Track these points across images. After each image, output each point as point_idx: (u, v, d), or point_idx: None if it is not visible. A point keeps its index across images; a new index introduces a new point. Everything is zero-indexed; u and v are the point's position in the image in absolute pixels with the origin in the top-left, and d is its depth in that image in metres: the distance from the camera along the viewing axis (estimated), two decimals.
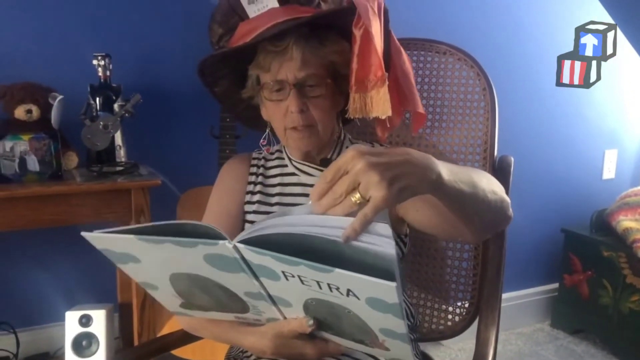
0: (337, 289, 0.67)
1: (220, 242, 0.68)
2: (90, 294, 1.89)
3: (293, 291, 0.73)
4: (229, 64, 1.12)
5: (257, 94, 1.11)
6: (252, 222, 1.12)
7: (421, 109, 1.14)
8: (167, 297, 0.86)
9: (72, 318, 1.71)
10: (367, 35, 0.99)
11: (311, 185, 1.11)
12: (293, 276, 0.68)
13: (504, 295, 1.30)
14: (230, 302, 0.82)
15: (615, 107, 2.66)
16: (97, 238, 0.72)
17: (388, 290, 0.62)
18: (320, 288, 0.68)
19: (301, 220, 0.67)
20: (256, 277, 0.73)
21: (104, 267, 1.84)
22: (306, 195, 1.12)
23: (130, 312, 1.70)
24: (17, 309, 1.84)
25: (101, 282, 1.89)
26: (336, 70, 1.06)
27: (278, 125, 1.08)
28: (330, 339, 0.85)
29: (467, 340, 2.21)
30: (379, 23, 1.00)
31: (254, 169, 1.18)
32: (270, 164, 1.19)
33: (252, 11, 1.07)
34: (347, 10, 1.01)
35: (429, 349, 1.29)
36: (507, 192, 1.23)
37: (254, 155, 1.22)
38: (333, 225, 0.65)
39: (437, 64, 1.32)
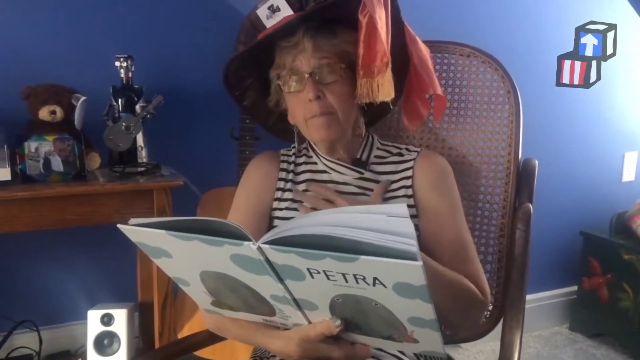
0: (364, 279, 0.67)
1: (245, 243, 0.68)
2: (111, 293, 1.91)
3: (318, 290, 0.73)
4: (251, 72, 1.15)
5: (281, 96, 1.13)
6: (282, 218, 1.13)
7: (439, 91, 1.16)
8: (198, 293, 0.87)
9: (94, 317, 1.73)
10: (372, 22, 1.01)
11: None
12: (318, 272, 0.69)
13: None
14: (258, 304, 0.83)
15: (635, 109, 2.63)
16: (132, 231, 0.74)
17: (414, 271, 0.63)
18: (347, 281, 0.69)
19: (321, 221, 0.68)
20: (281, 280, 0.73)
21: (124, 266, 1.89)
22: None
23: (151, 311, 1.72)
24: (40, 307, 1.86)
25: (122, 281, 1.91)
26: (351, 60, 1.08)
27: (299, 118, 1.10)
28: (358, 341, 0.85)
29: (485, 343, 2.20)
30: (384, 11, 1.02)
31: (284, 165, 1.19)
32: (299, 160, 1.20)
33: (270, 25, 1.11)
34: (352, 0, 1.03)
35: (447, 350, 1.29)
36: (531, 196, 1.25)
37: (283, 152, 1.23)
38: (354, 226, 0.66)
39: (461, 66, 1.32)
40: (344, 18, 1.07)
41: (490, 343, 2.20)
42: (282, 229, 0.69)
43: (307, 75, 1.05)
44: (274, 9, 1.10)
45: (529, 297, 2.49)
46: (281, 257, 0.69)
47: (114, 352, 1.73)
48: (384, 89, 1.04)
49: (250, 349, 1.41)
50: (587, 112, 2.52)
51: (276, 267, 0.71)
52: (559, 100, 2.41)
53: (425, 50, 1.16)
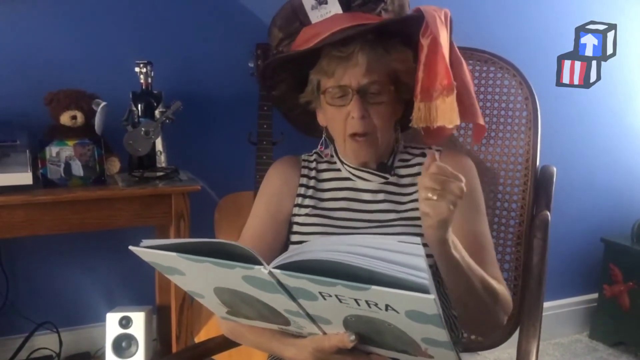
0: (376, 304, 0.68)
1: (256, 267, 0.69)
2: (129, 296, 1.93)
3: (331, 309, 0.74)
4: (290, 68, 1.13)
5: (316, 99, 1.12)
6: (302, 224, 1.13)
7: (481, 121, 1.14)
8: (213, 305, 0.87)
9: (112, 319, 1.76)
10: (435, 45, 0.99)
11: (366, 191, 1.12)
12: (330, 296, 0.69)
13: None
14: (273, 316, 0.83)
15: None
16: (144, 253, 0.75)
17: (426, 302, 0.63)
18: (359, 305, 0.69)
19: (334, 247, 0.68)
20: (294, 298, 0.74)
21: (143, 270, 1.88)
22: (359, 200, 1.12)
23: (169, 314, 1.73)
24: (61, 309, 1.89)
25: (140, 284, 1.93)
26: (398, 78, 1.07)
27: (338, 131, 1.09)
28: (373, 351, 0.85)
29: (503, 350, 2.18)
30: (446, 32, 1.01)
31: (305, 171, 1.18)
32: (321, 166, 1.19)
33: (314, 17, 1.07)
34: (414, 19, 1.02)
35: (465, 358, 1.29)
36: (549, 204, 1.24)
37: (304, 157, 1.21)
38: (366, 254, 0.66)
39: (479, 72, 1.31)
40: (400, 33, 1.06)
41: (509, 350, 2.17)
42: (293, 253, 0.69)
43: (354, 92, 1.03)
44: (320, 1, 1.08)
45: (548, 304, 2.48)
46: (293, 281, 0.69)
47: (132, 355, 1.75)
48: (445, 114, 1.03)
49: (266, 353, 1.42)
50: (608, 117, 2.49)
51: (288, 289, 0.71)
52: (580, 106, 2.39)
53: (469, 76, 1.14)
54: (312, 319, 0.79)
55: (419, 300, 0.62)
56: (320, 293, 0.69)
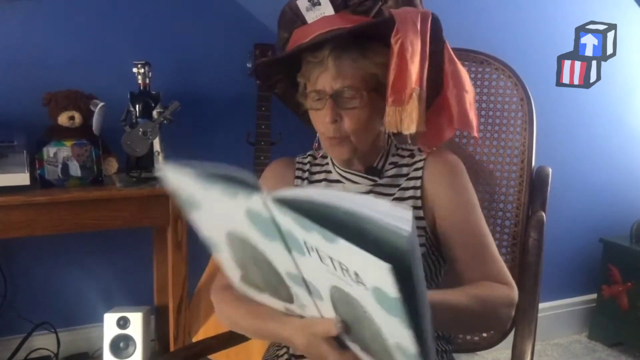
0: (347, 270, 0.65)
1: (255, 195, 0.68)
2: (127, 297, 1.94)
3: (318, 273, 0.72)
4: (280, 71, 1.14)
5: (305, 100, 1.12)
6: None
7: (475, 132, 1.10)
8: (229, 264, 0.87)
9: (110, 320, 1.76)
10: (403, 48, 0.98)
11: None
12: (312, 249, 0.67)
13: (540, 305, 1.29)
14: (278, 284, 0.83)
15: None
16: (169, 170, 0.74)
17: (382, 273, 0.58)
18: (335, 269, 0.67)
19: (333, 194, 0.66)
20: (289, 250, 0.72)
21: (141, 270, 1.91)
22: None
23: (167, 314, 1.73)
24: (59, 309, 1.90)
25: (138, 284, 1.94)
26: (378, 82, 1.05)
27: (319, 133, 1.10)
28: (362, 358, 0.84)
29: (501, 350, 2.18)
30: (419, 36, 0.99)
31: (299, 173, 1.19)
32: (315, 169, 1.20)
33: (310, 18, 1.07)
34: (386, 22, 1.01)
35: (462, 358, 1.29)
36: (544, 204, 1.24)
37: (298, 159, 1.22)
38: (356, 202, 0.63)
39: (474, 73, 1.31)
40: (379, 36, 1.04)
41: (507, 351, 2.17)
42: (292, 191, 0.68)
43: (328, 97, 1.04)
44: (314, 2, 1.08)
45: (547, 304, 2.49)
46: (282, 219, 0.68)
47: (130, 355, 1.76)
48: (411, 121, 1.00)
49: (262, 352, 1.42)
50: (608, 116, 2.49)
51: (282, 232, 0.70)
52: (579, 105, 2.39)
53: (465, 83, 1.10)
54: (307, 288, 0.78)
55: (375, 266, 0.58)
56: (305, 243, 0.68)
